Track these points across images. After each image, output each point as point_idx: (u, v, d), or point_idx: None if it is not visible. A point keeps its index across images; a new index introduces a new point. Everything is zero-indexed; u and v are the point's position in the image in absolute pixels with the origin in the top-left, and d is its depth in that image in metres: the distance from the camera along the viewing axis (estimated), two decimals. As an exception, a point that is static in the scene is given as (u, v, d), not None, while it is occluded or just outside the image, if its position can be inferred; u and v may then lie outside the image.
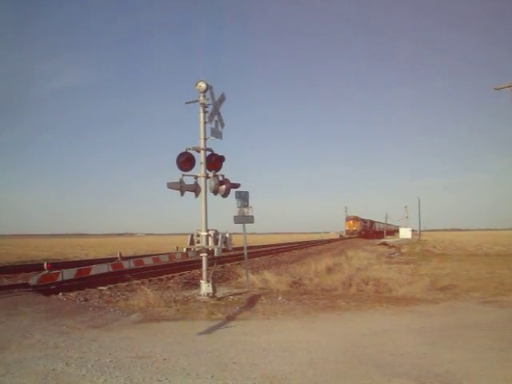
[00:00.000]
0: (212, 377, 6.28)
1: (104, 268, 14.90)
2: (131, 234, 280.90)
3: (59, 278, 12.98)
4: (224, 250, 14.47)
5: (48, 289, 13.98)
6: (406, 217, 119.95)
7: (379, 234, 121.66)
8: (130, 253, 39.90)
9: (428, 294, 13.82)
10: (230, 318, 10.68)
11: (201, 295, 13.75)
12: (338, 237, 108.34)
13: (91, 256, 37.24)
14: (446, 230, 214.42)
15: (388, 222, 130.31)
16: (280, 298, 13.51)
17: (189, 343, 8.26)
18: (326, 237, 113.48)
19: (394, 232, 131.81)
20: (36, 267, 22.95)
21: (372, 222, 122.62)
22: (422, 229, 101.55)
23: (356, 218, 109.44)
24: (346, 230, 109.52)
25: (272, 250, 42.35)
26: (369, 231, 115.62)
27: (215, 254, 13.79)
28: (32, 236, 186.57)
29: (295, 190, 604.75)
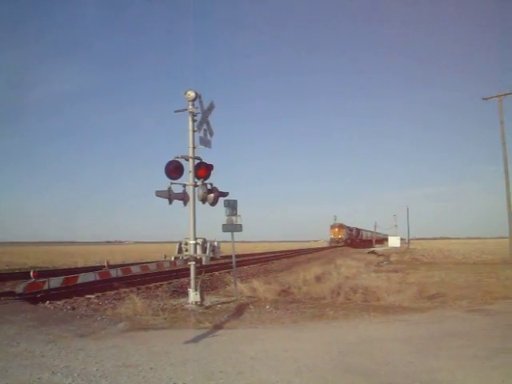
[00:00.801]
0: (198, 386, 6.29)
1: (91, 276, 14.81)
2: (120, 242, 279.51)
3: (46, 287, 12.88)
4: (212, 259, 14.48)
5: (35, 297, 13.93)
6: (395, 225, 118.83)
7: (366, 243, 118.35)
8: (119, 261, 39.74)
9: (415, 303, 13.87)
10: (217, 327, 10.68)
11: (189, 304, 13.72)
12: (327, 245, 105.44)
13: (80, 264, 37.04)
14: (435, 239, 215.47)
15: (377, 231, 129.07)
16: (268, 306, 13.53)
17: (176, 352, 8.24)
18: (316, 245, 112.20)
19: (382, 240, 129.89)
20: (23, 275, 22.82)
21: (358, 230, 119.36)
22: (411, 237, 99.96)
23: (341, 226, 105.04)
24: (331, 239, 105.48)
25: (261, 258, 42.39)
26: (355, 239, 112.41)
27: (203, 263, 13.80)
28: (19, 244, 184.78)
29: (285, 199, 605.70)
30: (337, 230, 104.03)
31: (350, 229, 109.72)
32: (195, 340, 9.25)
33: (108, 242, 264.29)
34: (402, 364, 7.39)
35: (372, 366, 7.29)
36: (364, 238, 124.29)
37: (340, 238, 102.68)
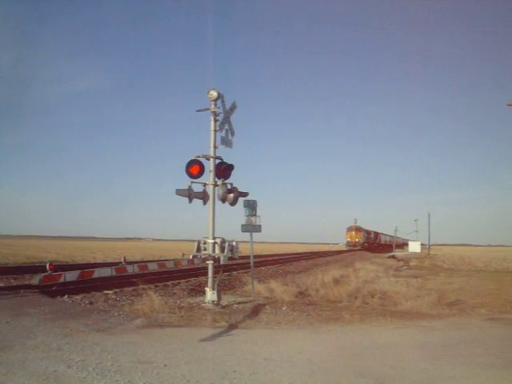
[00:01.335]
0: (211, 384, 6.31)
1: (107, 271, 14.98)
2: (139, 239, 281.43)
3: (61, 279, 13.10)
4: (231, 258, 14.50)
5: (54, 290, 14.08)
6: (416, 230, 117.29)
7: (384, 247, 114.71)
8: (137, 257, 40.11)
9: (433, 309, 13.73)
10: (233, 327, 10.70)
11: (205, 302, 13.77)
12: (346, 248, 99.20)
13: (99, 259, 37.39)
14: (455, 245, 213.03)
15: (397, 236, 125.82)
16: (284, 308, 13.52)
17: (190, 350, 8.28)
18: (335, 248, 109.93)
19: (402, 245, 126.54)
20: (43, 269, 23.13)
21: (376, 234, 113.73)
22: (431, 243, 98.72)
23: (358, 229, 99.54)
24: (348, 242, 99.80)
25: (280, 259, 42.31)
26: (372, 244, 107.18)
27: (221, 262, 13.83)
28: (41, 238, 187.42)
29: (306, 201, 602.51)
30: (353, 233, 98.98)
31: (368, 232, 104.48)
32: (210, 339, 9.29)
33: (128, 239, 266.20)
34: (417, 370, 7.34)
35: (386, 371, 7.25)
36: (382, 242, 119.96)
37: (357, 242, 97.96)
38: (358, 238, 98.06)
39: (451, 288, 21.35)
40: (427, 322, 11.97)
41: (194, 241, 14.23)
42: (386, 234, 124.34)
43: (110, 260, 35.51)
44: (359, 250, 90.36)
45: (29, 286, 14.56)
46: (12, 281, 18.59)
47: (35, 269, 22.90)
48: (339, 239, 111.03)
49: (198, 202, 13.99)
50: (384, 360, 7.94)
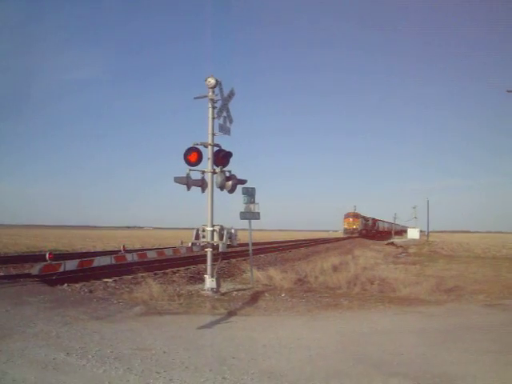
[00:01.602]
0: (210, 370, 6.33)
1: (107, 260, 14.98)
2: (139, 228, 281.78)
3: (61, 269, 13.06)
4: (229, 246, 14.49)
5: (53, 279, 14.11)
6: (415, 217, 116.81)
7: (383, 234, 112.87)
8: (137, 246, 40.18)
9: (432, 295, 13.77)
10: (232, 314, 10.74)
11: (205, 290, 13.79)
12: (344, 236, 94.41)
13: (99, 248, 37.42)
14: (454, 232, 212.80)
15: (396, 223, 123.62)
16: (283, 295, 13.57)
17: (189, 337, 8.33)
18: (334, 235, 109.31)
19: (401, 232, 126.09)
20: (42, 257, 23.15)
21: (374, 221, 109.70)
22: (430, 230, 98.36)
23: (356, 215, 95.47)
24: (345, 229, 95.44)
25: (279, 246, 42.26)
26: (370, 230, 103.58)
27: (220, 250, 13.81)
28: (41, 227, 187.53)
29: (305, 189, 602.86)
30: (351, 219, 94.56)
31: (366, 219, 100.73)
32: (209, 326, 9.34)
33: (127, 228, 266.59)
34: (415, 356, 7.38)
35: (384, 356, 7.29)
36: (380, 229, 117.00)
37: (354, 229, 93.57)
38: (356, 225, 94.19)
39: (450, 274, 21.39)
40: (425, 308, 12.00)
41: (194, 229, 14.23)
42: (384, 221, 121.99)
43: (109, 249, 35.50)
44: (357, 237, 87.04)
45: (28, 275, 14.57)
46: (12, 270, 18.63)
47: (35, 258, 23.01)
48: (338, 227, 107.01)
49: (196, 189, 13.96)
50: (382, 346, 7.97)
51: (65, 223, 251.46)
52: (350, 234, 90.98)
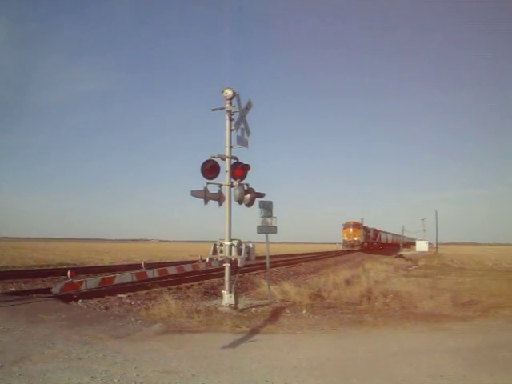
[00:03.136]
0: (246, 397, 5.98)
1: (128, 277, 14.67)
2: (145, 240, 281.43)
3: (83, 287, 12.75)
4: (246, 260, 14.17)
5: (67, 295, 13.75)
6: (423, 229, 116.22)
7: (386, 247, 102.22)
8: (145, 259, 39.78)
9: (456, 311, 13.41)
10: (254, 331, 10.39)
11: (223, 306, 13.47)
12: (344, 249, 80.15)
13: (106, 262, 37.05)
14: (463, 244, 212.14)
15: (404, 235, 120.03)
16: (304, 311, 13.22)
17: (216, 358, 7.94)
18: (335, 248, 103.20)
19: (408, 245, 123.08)
20: (53, 272, 22.94)
21: (376, 232, 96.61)
22: (438, 242, 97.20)
23: (357, 225, 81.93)
24: (344, 241, 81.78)
25: (288, 260, 41.90)
26: (372, 243, 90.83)
27: (238, 265, 13.48)
28: (46, 240, 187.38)
29: (312, 200, 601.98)
30: (351, 230, 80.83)
31: (367, 230, 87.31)
32: (234, 345, 8.96)
33: (133, 240, 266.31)
34: (456, 378, 6.99)
35: (424, 378, 6.91)
36: (383, 241, 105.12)
37: (356, 241, 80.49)
38: (357, 237, 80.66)
39: (464, 288, 21.05)
40: (452, 324, 11.61)
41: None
42: (387, 232, 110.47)
43: (117, 262, 35.25)
44: (358, 251, 76.19)
45: (41, 291, 14.26)
46: (23, 285, 18.29)
47: (45, 272, 22.75)
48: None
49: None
50: (418, 367, 7.58)
51: (68, 236, 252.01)
52: (350, 248, 78.95)
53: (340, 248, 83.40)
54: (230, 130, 13.83)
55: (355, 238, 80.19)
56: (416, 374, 7.16)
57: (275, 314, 12.78)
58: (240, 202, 13.69)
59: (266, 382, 6.58)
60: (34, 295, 14.04)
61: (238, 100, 13.88)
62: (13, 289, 16.65)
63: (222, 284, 14.41)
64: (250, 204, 13.95)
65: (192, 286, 19.18)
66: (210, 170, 13.56)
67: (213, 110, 13.98)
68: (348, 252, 71.92)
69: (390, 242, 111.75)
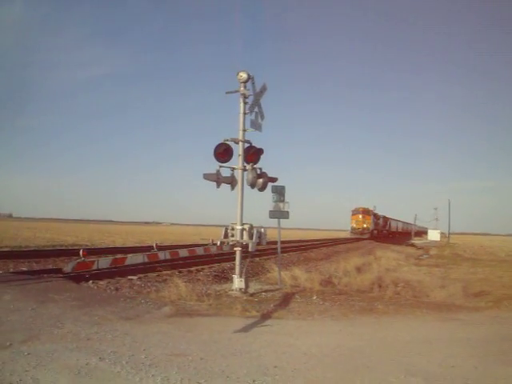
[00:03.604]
0: (254, 381, 5.90)
1: (139, 258, 14.62)
2: (157, 223, 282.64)
3: (94, 267, 12.72)
4: (258, 245, 14.10)
5: (78, 276, 13.76)
6: (436, 219, 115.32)
7: (396, 236, 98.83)
8: (157, 241, 39.90)
9: (469, 302, 13.30)
10: (265, 316, 10.33)
11: (233, 290, 13.43)
12: (351, 236, 76.86)
13: (118, 243, 37.25)
14: (475, 234, 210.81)
15: (416, 223, 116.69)
16: (315, 297, 13.15)
17: (225, 342, 7.89)
18: (343, 235, 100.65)
19: (420, 234, 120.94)
20: (65, 252, 23.04)
21: (386, 219, 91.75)
22: (450, 232, 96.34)
23: (367, 211, 77.64)
24: (352, 228, 78.16)
25: (300, 246, 41.86)
26: (381, 231, 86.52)
27: (249, 249, 13.43)
28: (60, 221, 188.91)
29: (327, 188, 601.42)
30: (360, 216, 76.90)
31: (377, 217, 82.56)
32: (244, 329, 8.90)
33: (146, 223, 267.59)
34: (467, 369, 6.86)
35: (435, 369, 6.79)
36: (393, 229, 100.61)
37: (365, 228, 76.51)
38: (367, 224, 76.88)
39: (475, 278, 20.98)
40: (465, 314, 11.51)
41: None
42: (398, 220, 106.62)
43: (129, 244, 35.40)
44: (367, 239, 72.70)
45: (53, 271, 14.28)
46: (34, 265, 18.39)
47: (57, 252, 22.88)
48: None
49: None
50: (430, 357, 7.46)
51: (82, 217, 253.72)
52: (359, 235, 75.75)
53: (348, 236, 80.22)
54: (244, 114, 13.68)
55: (364, 225, 76.75)
56: (427, 364, 7.05)
57: (285, 300, 12.73)
58: (253, 186, 13.59)
59: (275, 367, 6.51)
60: (45, 275, 14.08)
61: (253, 83, 13.72)
62: (24, 268, 16.74)
63: (233, 268, 14.35)
64: (262, 188, 13.85)
65: (203, 269, 19.21)
66: (223, 153, 13.45)
67: (227, 92, 13.83)
68: (358, 239, 70.37)
69: (400, 230, 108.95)
